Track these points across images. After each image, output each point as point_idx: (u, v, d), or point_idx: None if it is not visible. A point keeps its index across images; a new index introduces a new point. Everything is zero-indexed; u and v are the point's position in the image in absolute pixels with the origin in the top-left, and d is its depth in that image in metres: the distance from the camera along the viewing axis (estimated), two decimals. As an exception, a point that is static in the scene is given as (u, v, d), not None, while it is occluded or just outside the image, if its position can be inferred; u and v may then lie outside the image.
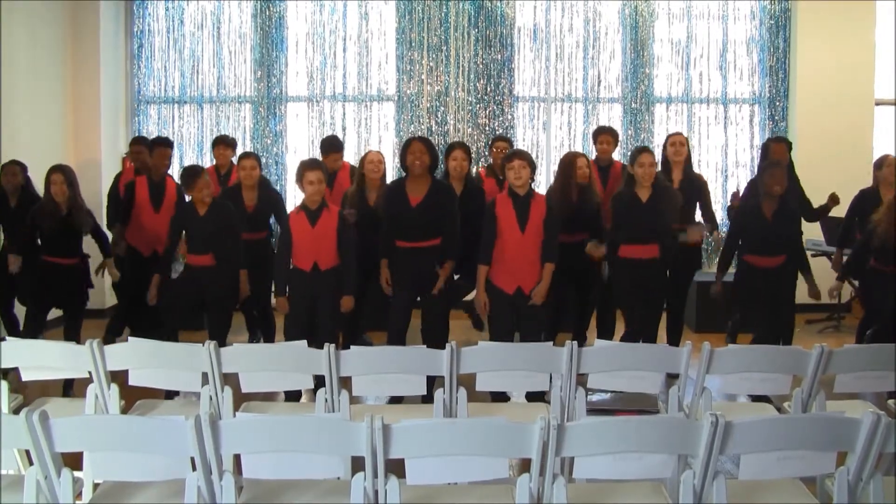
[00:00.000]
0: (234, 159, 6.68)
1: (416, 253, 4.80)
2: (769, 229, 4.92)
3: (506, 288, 4.68)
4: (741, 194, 6.03)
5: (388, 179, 5.90)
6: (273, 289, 5.04)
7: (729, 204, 5.91)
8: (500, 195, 4.81)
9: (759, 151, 7.83)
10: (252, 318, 6.04)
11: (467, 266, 5.07)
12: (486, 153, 6.72)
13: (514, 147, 6.54)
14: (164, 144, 6.10)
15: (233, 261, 5.02)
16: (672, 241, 5.15)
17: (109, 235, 5.83)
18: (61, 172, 4.99)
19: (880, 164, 5.80)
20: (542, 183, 7.84)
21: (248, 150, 7.83)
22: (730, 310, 5.27)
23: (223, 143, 6.54)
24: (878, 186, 5.73)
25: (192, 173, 5.04)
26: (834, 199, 6.04)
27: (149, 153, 6.12)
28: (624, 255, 5.09)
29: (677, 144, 5.69)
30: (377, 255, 5.02)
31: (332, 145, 6.31)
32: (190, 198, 5.13)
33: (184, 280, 5.16)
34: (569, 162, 5.42)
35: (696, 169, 7.76)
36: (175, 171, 7.34)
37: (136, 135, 7.79)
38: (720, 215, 7.96)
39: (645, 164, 4.98)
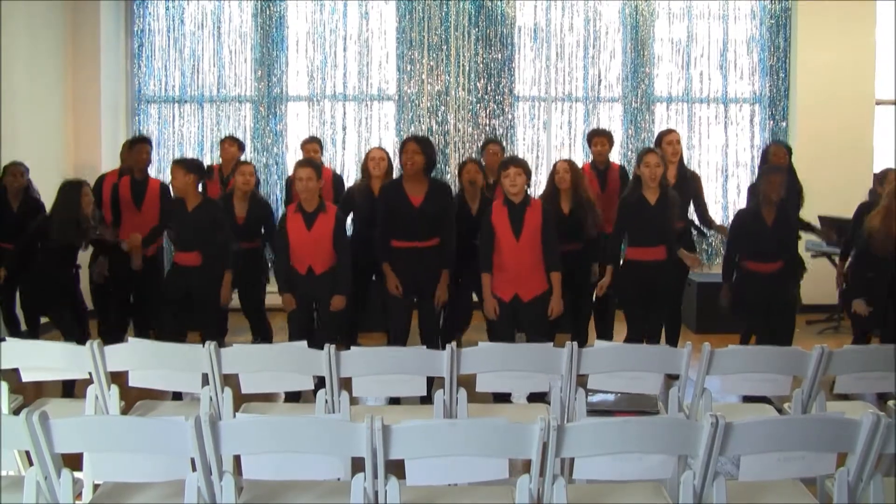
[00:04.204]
0: (242, 158, 6.69)
1: (414, 253, 4.79)
2: (769, 236, 4.91)
3: (503, 296, 4.67)
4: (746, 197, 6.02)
5: (394, 175, 5.92)
6: (278, 291, 5.00)
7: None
8: (495, 203, 4.79)
9: (760, 151, 7.88)
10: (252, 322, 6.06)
11: (469, 272, 5.09)
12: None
13: (505, 149, 6.55)
14: (140, 141, 6.12)
15: (221, 260, 5.01)
16: (676, 244, 5.15)
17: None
18: (89, 186, 5.03)
19: (881, 178, 5.75)
20: (542, 184, 7.81)
21: (248, 149, 7.87)
22: (734, 313, 5.26)
23: (227, 140, 6.55)
24: (879, 200, 5.68)
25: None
26: (829, 235, 6.08)
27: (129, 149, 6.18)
28: (631, 257, 5.10)
29: (674, 143, 5.67)
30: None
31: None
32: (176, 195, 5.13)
33: (171, 279, 5.14)
34: (552, 169, 5.48)
35: (696, 169, 7.80)
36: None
37: (136, 134, 7.80)
38: (721, 215, 7.99)
39: (651, 165, 4.99)
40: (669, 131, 5.85)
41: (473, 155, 7.81)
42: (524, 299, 4.65)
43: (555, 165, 5.46)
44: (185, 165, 5.02)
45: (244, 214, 5.61)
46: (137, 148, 6.03)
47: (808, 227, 6.11)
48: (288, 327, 4.88)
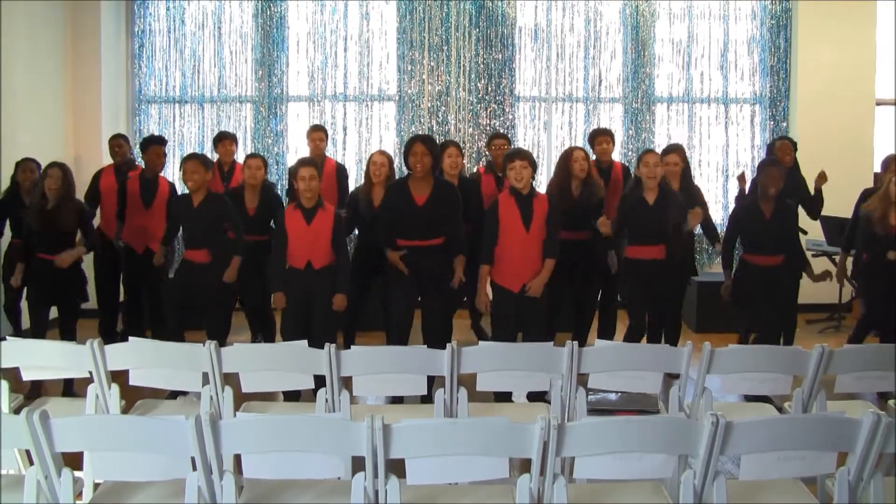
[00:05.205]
0: (237, 156, 6.72)
1: (418, 252, 4.80)
2: (768, 228, 4.94)
3: (511, 287, 4.69)
4: (747, 190, 5.99)
5: (396, 176, 5.91)
6: (270, 287, 5.01)
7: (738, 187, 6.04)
8: (502, 195, 4.81)
9: (760, 151, 7.90)
10: (253, 318, 6.06)
11: (469, 265, 5.07)
12: (486, 152, 6.69)
13: (513, 144, 6.52)
14: (158, 142, 6.10)
15: (231, 250, 5.00)
16: (677, 242, 5.15)
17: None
18: (59, 168, 4.98)
19: (887, 164, 5.75)
20: (543, 183, 7.83)
21: (248, 149, 7.90)
22: (735, 305, 5.26)
23: (227, 139, 6.58)
24: (881, 187, 5.71)
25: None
26: (822, 178, 6.09)
27: (128, 148, 6.22)
28: (631, 255, 5.11)
29: (671, 164, 5.45)
30: (381, 256, 5.00)
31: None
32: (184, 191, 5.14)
33: (179, 277, 5.14)
34: (565, 156, 5.41)
35: (696, 169, 7.79)
36: (173, 168, 7.36)
37: (136, 135, 7.82)
38: (721, 215, 7.99)
39: (650, 164, 5.00)
40: (670, 150, 5.62)
41: (475, 154, 7.85)
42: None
43: (572, 153, 5.36)
44: (204, 162, 5.02)
45: (255, 206, 5.62)
46: (153, 150, 6.00)
47: (818, 196, 6.14)
48: (281, 324, 4.88)
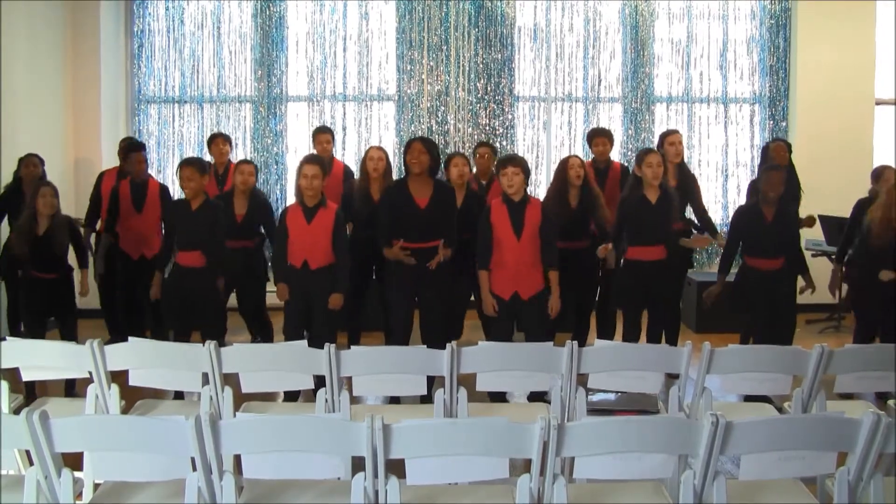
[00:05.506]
0: (232, 156, 6.71)
1: (417, 254, 4.79)
2: (769, 232, 4.93)
3: (502, 294, 4.66)
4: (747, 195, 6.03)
5: (394, 175, 5.91)
6: (273, 281, 5.00)
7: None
8: (494, 201, 4.79)
9: (760, 151, 7.89)
10: (252, 320, 6.05)
11: (469, 271, 5.08)
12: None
13: (499, 150, 6.50)
14: (136, 149, 6.04)
15: (219, 264, 5.00)
16: (677, 243, 5.17)
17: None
18: (50, 187, 4.91)
19: (878, 175, 5.76)
20: (543, 183, 7.84)
21: (247, 149, 7.90)
22: (734, 309, 5.27)
23: (220, 138, 6.56)
24: (874, 196, 5.70)
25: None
26: (810, 223, 6.12)
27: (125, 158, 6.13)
28: (631, 256, 5.10)
29: (676, 144, 5.70)
30: (379, 254, 5.00)
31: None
32: (178, 195, 5.11)
33: (173, 280, 5.12)
34: (562, 165, 5.41)
35: (695, 169, 7.81)
36: (171, 169, 7.36)
37: (135, 135, 7.82)
38: (721, 215, 7.99)
39: (653, 165, 4.99)
40: (672, 132, 5.86)
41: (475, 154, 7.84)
42: (523, 297, 4.65)
43: (568, 160, 5.40)
44: (199, 168, 4.97)
45: (243, 213, 5.59)
46: (133, 157, 5.95)
47: (805, 224, 6.16)
48: (283, 325, 4.88)
